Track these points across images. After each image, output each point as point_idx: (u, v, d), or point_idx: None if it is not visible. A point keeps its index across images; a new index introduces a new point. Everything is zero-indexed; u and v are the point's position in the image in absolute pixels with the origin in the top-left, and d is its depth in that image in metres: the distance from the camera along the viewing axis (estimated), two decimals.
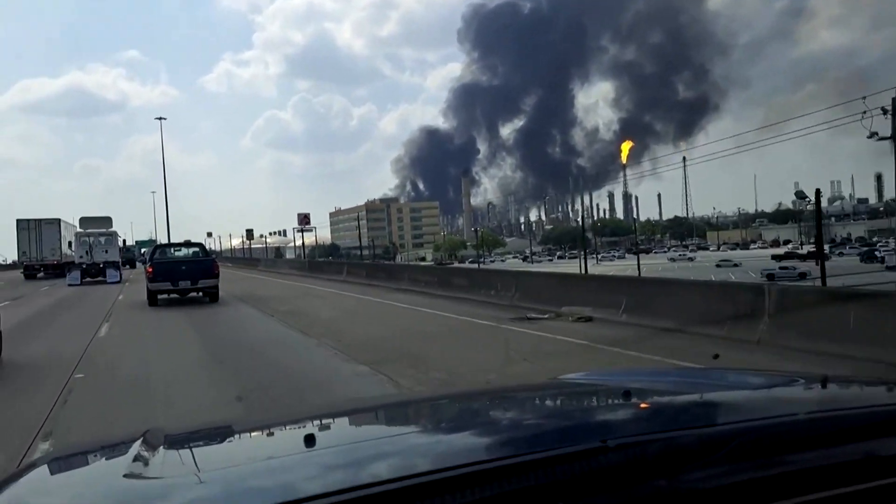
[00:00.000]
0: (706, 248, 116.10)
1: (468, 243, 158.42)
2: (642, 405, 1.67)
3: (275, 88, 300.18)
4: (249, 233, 79.71)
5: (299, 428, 1.64)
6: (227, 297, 20.72)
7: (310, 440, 1.35)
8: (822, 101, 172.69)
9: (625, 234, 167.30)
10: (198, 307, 18.16)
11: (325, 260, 58.20)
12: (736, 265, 79.86)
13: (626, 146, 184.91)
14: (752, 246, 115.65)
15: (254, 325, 13.98)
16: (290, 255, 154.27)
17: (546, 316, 12.40)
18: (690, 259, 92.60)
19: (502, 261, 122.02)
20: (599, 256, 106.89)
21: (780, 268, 65.85)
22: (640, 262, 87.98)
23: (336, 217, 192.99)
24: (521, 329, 11.24)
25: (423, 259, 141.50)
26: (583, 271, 48.27)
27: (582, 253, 73.30)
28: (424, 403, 2.29)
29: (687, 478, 1.02)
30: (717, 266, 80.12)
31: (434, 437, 1.53)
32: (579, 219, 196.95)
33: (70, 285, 28.84)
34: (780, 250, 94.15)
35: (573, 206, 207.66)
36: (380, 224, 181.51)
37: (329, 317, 14.50)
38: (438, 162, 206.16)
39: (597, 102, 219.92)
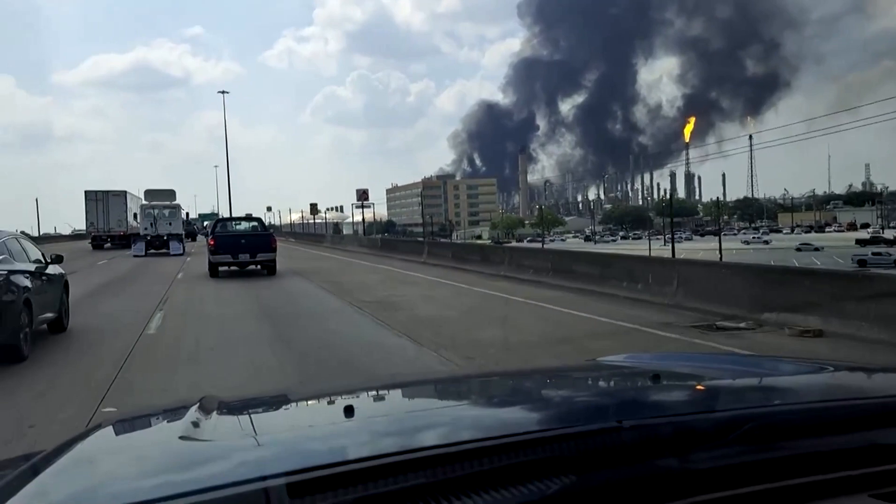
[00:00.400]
0: (778, 231, 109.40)
1: (526, 221, 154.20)
2: (667, 388, 1.70)
3: (334, 65, 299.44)
4: (313, 207, 76.92)
5: (343, 398, 1.72)
6: (301, 280, 17.96)
7: (349, 411, 1.45)
8: None
9: (689, 214, 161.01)
10: (272, 291, 15.41)
11: (401, 238, 55.34)
12: (817, 249, 74.46)
13: (689, 125, 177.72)
14: (827, 229, 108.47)
15: (341, 323, 10.90)
16: (346, 230, 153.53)
17: (743, 325, 8.98)
18: (766, 242, 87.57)
19: (562, 240, 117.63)
20: (664, 238, 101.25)
21: (873, 253, 60.29)
22: (710, 245, 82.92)
23: (393, 193, 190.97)
24: (722, 345, 7.86)
25: (479, 237, 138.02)
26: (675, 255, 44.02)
27: (690, 233, 68.26)
28: (463, 380, 2.46)
29: (697, 457, 1.08)
30: (798, 250, 74.85)
31: (467, 412, 1.67)
32: (641, 198, 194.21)
33: (135, 256, 29.11)
34: (861, 234, 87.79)
35: (632, 185, 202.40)
36: (436, 201, 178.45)
37: (436, 315, 11.31)
38: (496, 137, 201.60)
39: (660, 78, 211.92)
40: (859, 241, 77.38)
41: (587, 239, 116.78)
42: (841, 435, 1.17)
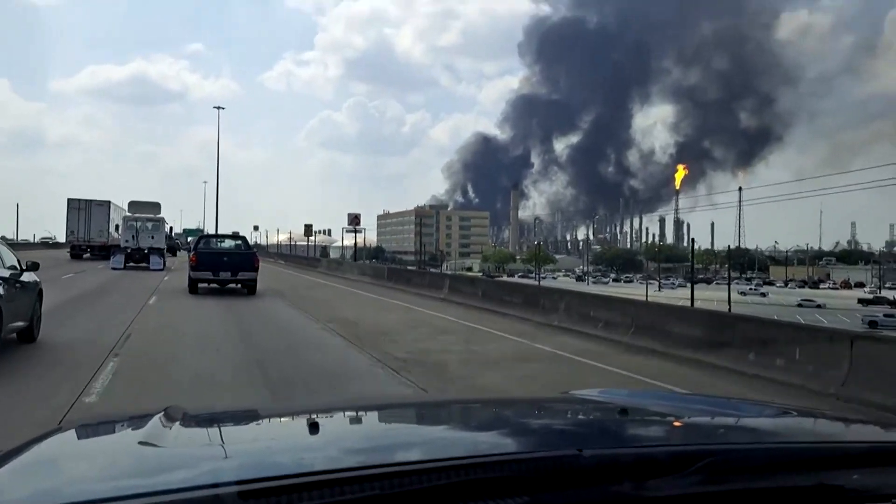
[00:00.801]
0: (771, 284, 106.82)
1: (517, 257, 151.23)
2: (632, 422, 1.75)
3: (332, 90, 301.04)
4: (308, 228, 72.37)
5: (312, 416, 1.72)
6: (303, 316, 14.33)
7: (314, 427, 1.48)
8: (889, 140, 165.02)
9: (679, 261, 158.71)
10: (269, 335, 11.72)
11: (407, 267, 51.49)
12: (820, 306, 71.76)
13: (679, 173, 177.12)
14: (821, 286, 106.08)
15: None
16: (334, 254, 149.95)
17: None
18: (763, 295, 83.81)
19: (553, 278, 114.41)
20: (660, 283, 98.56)
21: (886, 315, 57.41)
22: (702, 294, 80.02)
23: (384, 220, 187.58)
24: None
25: (470, 269, 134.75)
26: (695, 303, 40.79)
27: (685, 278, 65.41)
28: (434, 405, 2.46)
29: (654, 485, 1.13)
30: (799, 306, 72.07)
31: (431, 434, 1.73)
32: (629, 241, 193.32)
33: (113, 269, 28.00)
34: (861, 293, 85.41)
35: (621, 228, 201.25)
36: (428, 230, 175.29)
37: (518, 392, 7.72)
38: (490, 170, 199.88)
39: (655, 124, 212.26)
40: (862, 301, 75.28)
41: (579, 279, 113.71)
42: (793, 474, 1.24)
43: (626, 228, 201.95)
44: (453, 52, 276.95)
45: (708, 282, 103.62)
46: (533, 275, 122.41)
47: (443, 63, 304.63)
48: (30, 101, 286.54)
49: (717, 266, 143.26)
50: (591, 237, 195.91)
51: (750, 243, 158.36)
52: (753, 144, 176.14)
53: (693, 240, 70.84)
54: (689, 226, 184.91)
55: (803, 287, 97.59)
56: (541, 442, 1.54)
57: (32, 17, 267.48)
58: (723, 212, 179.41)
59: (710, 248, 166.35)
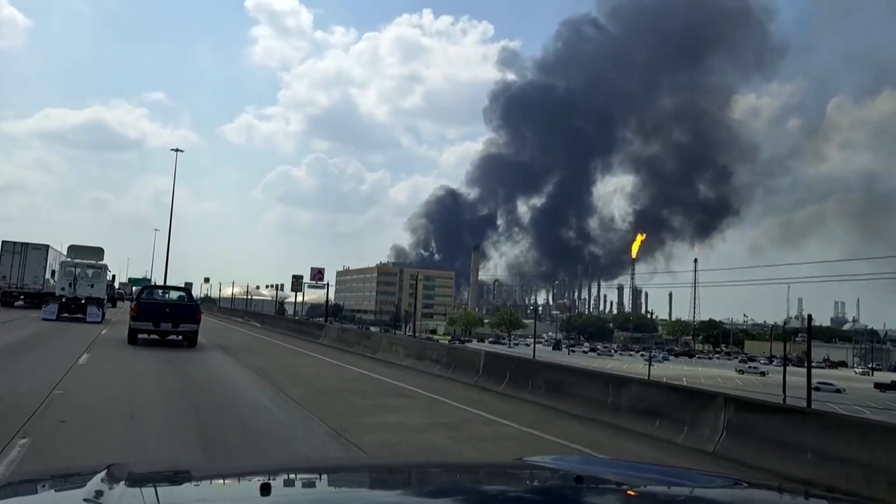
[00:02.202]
0: (754, 359, 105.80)
1: (485, 320, 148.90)
2: (585, 491, 1.79)
3: (292, 145, 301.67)
4: (297, 280, 60.11)
5: (257, 478, 1.72)
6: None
7: (265, 489, 1.48)
8: (841, 220, 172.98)
9: (648, 331, 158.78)
10: None
11: (455, 345, 48.30)
12: (839, 391, 69.04)
13: (636, 242, 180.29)
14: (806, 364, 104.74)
15: None
16: (289, 310, 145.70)
17: None
18: (762, 374, 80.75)
19: (526, 345, 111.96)
20: (650, 358, 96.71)
21: None
22: (698, 370, 78.63)
23: (343, 276, 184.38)
24: None
25: (434, 332, 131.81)
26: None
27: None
28: (383, 469, 2.46)
29: None
30: (816, 389, 69.42)
31: (382, 499, 1.77)
32: (588, 307, 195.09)
33: (44, 319, 26.16)
34: (853, 373, 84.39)
35: (580, 295, 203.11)
36: (390, 288, 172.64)
37: None
38: (453, 226, 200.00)
39: (615, 191, 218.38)
40: (879, 386, 73.09)
41: (555, 347, 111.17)
42: None
43: (585, 295, 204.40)
44: (416, 115, 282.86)
45: (689, 355, 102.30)
46: (504, 340, 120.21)
47: (405, 125, 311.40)
48: None
49: (690, 338, 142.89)
50: (552, 302, 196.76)
51: (704, 314, 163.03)
52: (711, 217, 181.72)
53: (647, 312, 69.31)
54: (647, 295, 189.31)
55: (788, 365, 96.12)
56: None
57: None
58: (680, 282, 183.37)
59: (672, 318, 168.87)
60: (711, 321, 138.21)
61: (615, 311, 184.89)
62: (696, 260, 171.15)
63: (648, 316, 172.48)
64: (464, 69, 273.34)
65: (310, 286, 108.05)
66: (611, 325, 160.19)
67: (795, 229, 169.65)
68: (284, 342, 24.14)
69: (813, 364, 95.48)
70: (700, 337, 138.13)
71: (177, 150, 51.59)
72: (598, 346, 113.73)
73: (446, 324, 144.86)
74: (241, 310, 54.96)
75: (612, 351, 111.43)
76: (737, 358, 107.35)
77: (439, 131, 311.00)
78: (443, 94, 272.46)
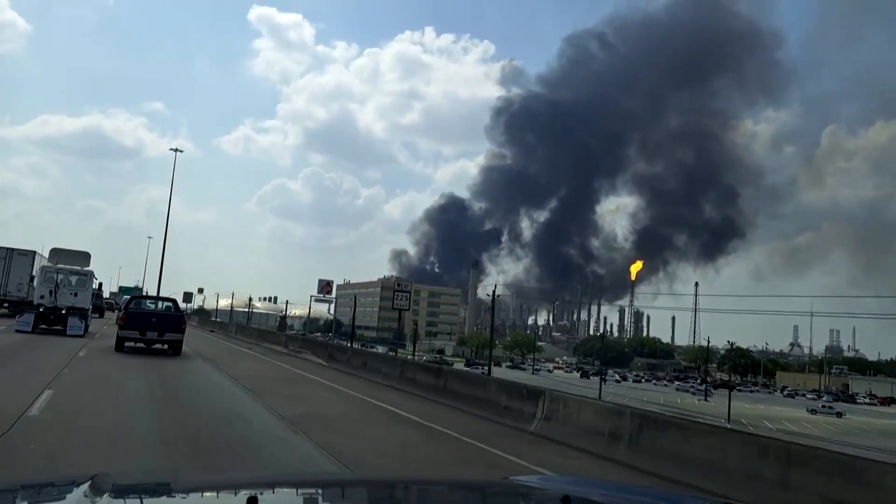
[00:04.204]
0: (797, 394, 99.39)
1: (498, 343, 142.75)
2: None
3: (289, 158, 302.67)
4: (326, 285, 56.17)
5: (244, 491, 1.71)
6: None
7: (253, 502, 1.46)
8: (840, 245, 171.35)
9: (665, 357, 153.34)
10: None
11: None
12: None
13: (635, 268, 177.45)
14: (858, 399, 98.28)
15: None
16: (276, 322, 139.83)
17: None
18: (839, 415, 72.89)
19: (549, 370, 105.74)
20: (693, 389, 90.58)
21: None
22: (770, 410, 72.21)
23: (343, 290, 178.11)
24: None
25: (441, 352, 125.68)
26: None
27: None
28: (370, 485, 2.47)
29: None
30: None
31: None
32: (590, 329, 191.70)
33: (17, 331, 23.26)
34: None
35: (580, 316, 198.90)
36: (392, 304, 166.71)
37: None
38: (455, 239, 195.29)
39: (617, 209, 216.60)
40: None
41: (583, 375, 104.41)
42: None
43: (585, 316, 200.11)
44: (413, 132, 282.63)
45: (729, 388, 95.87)
46: (524, 365, 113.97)
47: (402, 141, 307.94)
48: None
49: (716, 366, 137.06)
50: (552, 323, 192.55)
51: (705, 339, 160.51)
52: (717, 238, 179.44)
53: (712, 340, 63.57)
54: (648, 318, 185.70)
55: (837, 400, 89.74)
56: None
57: None
58: (682, 306, 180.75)
59: (673, 342, 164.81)
60: (739, 349, 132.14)
61: (616, 334, 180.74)
62: (696, 283, 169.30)
63: (661, 341, 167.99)
64: (463, 87, 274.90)
65: (317, 300, 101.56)
66: (626, 349, 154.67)
67: (798, 255, 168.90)
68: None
69: (866, 400, 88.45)
70: (726, 366, 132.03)
71: (176, 150, 51.76)
72: (628, 375, 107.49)
73: (455, 344, 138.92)
74: (251, 327, 48.70)
75: (641, 379, 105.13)
76: (775, 391, 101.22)
77: (436, 148, 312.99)
78: (441, 112, 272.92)
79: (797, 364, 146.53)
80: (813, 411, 74.19)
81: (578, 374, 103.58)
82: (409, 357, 72.36)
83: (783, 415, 69.71)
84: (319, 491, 2.03)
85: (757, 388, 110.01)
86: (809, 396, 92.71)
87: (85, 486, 1.46)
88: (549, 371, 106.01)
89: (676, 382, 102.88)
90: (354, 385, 14.52)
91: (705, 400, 79.11)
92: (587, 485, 2.44)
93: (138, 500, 1.60)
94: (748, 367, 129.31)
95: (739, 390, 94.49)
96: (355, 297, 78.91)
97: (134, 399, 10.40)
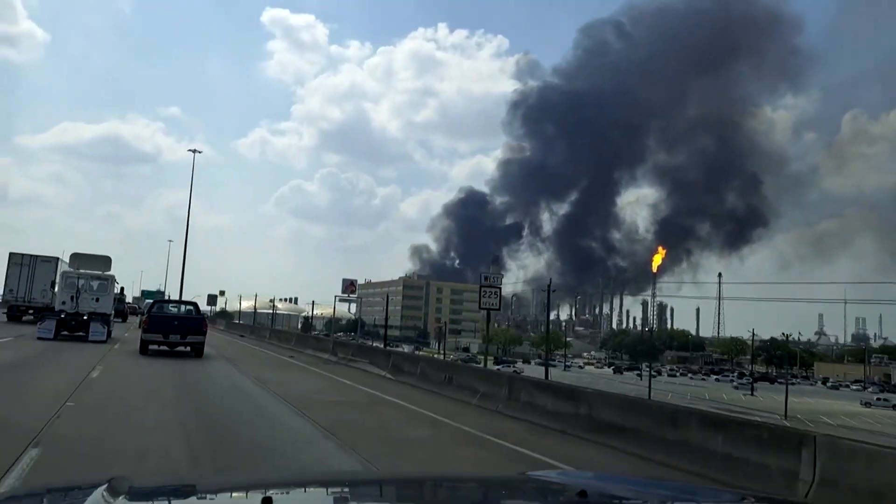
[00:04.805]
0: (840, 386, 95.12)
1: (525, 339, 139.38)
2: None
3: (305, 159, 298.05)
4: (350, 285, 51.94)
5: (259, 492, 1.70)
6: None
7: (267, 502, 1.45)
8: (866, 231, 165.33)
9: (696, 349, 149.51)
10: None
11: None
12: None
13: (657, 256, 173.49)
14: None
15: None
16: (298, 323, 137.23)
17: None
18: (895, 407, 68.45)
19: (580, 367, 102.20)
20: (734, 382, 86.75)
21: None
22: (800, 404, 68.74)
23: (364, 290, 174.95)
24: None
25: (467, 349, 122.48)
26: None
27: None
28: (386, 483, 2.45)
29: None
30: None
31: None
32: (613, 323, 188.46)
33: (39, 339, 22.94)
34: None
35: (601, 309, 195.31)
36: (415, 302, 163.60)
37: None
38: (476, 234, 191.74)
39: (637, 200, 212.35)
40: None
41: (616, 370, 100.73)
42: None
43: (607, 310, 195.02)
44: (428, 129, 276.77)
45: (769, 380, 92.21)
46: (556, 361, 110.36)
47: (417, 139, 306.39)
48: None
49: (749, 358, 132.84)
50: (574, 318, 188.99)
51: (730, 331, 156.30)
52: (741, 227, 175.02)
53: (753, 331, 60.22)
54: (672, 310, 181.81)
55: (884, 391, 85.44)
56: None
57: (8, 71, 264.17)
58: (705, 295, 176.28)
59: (698, 333, 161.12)
60: (774, 340, 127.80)
61: (639, 327, 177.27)
62: (720, 274, 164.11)
63: (690, 333, 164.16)
64: (477, 83, 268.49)
65: (341, 300, 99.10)
66: (657, 343, 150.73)
67: (823, 242, 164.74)
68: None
69: None
70: (761, 357, 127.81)
71: (194, 151, 53.45)
72: (662, 370, 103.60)
73: (480, 342, 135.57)
74: (288, 331, 45.65)
75: (676, 373, 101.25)
76: (815, 382, 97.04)
77: (451, 145, 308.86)
78: (456, 108, 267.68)
79: (833, 354, 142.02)
80: (867, 404, 70.22)
81: (611, 370, 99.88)
82: (515, 370, 69.11)
83: (835, 408, 65.95)
84: (335, 490, 1.99)
85: (797, 379, 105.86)
86: (854, 388, 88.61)
87: (102, 489, 1.43)
88: (580, 367, 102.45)
89: (713, 376, 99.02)
90: (448, 410, 11.13)
91: (752, 394, 75.38)
92: (604, 479, 2.41)
93: (154, 503, 1.57)
94: (784, 359, 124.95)
95: (780, 382, 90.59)
96: (387, 297, 76.00)
97: (168, 445, 7.25)
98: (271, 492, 1.73)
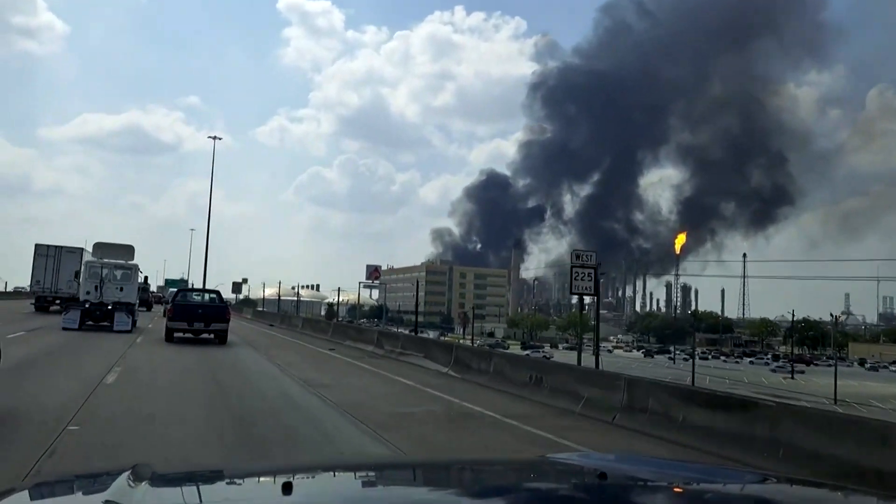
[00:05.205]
0: (881, 367, 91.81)
1: (551, 322, 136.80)
2: (611, 487, 1.76)
3: (324, 146, 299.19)
4: (375, 270, 57.77)
5: (280, 477, 1.70)
6: None
7: (287, 488, 1.46)
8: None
9: (725, 331, 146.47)
10: None
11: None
12: None
13: (679, 238, 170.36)
14: None
15: None
16: (322, 311, 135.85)
17: None
18: None
19: (609, 351, 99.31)
20: (771, 365, 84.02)
21: None
22: (844, 387, 65.84)
23: (387, 275, 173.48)
24: None
25: (492, 334, 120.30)
26: None
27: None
28: (408, 467, 2.49)
29: None
30: None
31: (402, 496, 1.75)
32: (637, 305, 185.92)
33: (64, 329, 22.77)
34: None
35: (624, 292, 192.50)
36: (439, 288, 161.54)
37: None
38: (498, 216, 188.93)
39: (660, 180, 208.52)
40: None
41: (647, 354, 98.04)
42: None
43: (630, 292, 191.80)
44: (446, 113, 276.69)
45: (805, 362, 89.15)
46: (590, 346, 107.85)
47: (435, 123, 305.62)
48: (18, 148, 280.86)
49: (780, 339, 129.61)
50: (596, 301, 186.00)
51: (755, 312, 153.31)
52: (766, 206, 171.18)
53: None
54: (696, 292, 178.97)
55: None
56: None
57: (25, 61, 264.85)
58: (730, 273, 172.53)
59: (723, 314, 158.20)
60: (806, 321, 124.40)
61: (663, 309, 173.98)
62: (744, 255, 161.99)
63: (717, 314, 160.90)
64: (495, 65, 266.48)
65: (365, 286, 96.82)
66: (685, 325, 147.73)
67: (850, 220, 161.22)
68: None
69: None
70: (792, 338, 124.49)
71: (215, 138, 54.18)
72: (736, 352, 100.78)
73: (506, 326, 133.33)
74: (323, 320, 43.58)
75: (707, 356, 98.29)
76: (852, 364, 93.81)
77: (469, 129, 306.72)
78: (474, 92, 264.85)
79: (866, 334, 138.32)
80: None
81: (641, 354, 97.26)
82: (545, 354, 66.79)
83: (882, 391, 62.97)
84: (355, 474, 2.01)
85: (832, 361, 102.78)
86: (893, 369, 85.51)
87: (125, 475, 1.46)
88: (609, 351, 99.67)
89: (747, 359, 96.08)
90: (556, 425, 8.74)
91: (791, 378, 72.59)
92: (624, 460, 2.42)
93: (175, 488, 1.59)
94: (817, 340, 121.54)
95: (816, 364, 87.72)
96: (417, 283, 73.63)
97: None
98: (296, 477, 1.75)
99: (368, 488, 1.83)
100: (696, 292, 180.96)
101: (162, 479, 1.57)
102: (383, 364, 16.97)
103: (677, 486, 1.82)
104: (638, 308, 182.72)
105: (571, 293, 16.87)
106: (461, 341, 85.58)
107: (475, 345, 68.49)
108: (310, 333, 28.74)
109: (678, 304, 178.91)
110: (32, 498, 1.48)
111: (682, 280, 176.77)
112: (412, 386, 12.86)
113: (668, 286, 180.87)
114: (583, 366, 17.45)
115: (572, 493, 1.78)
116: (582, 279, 16.24)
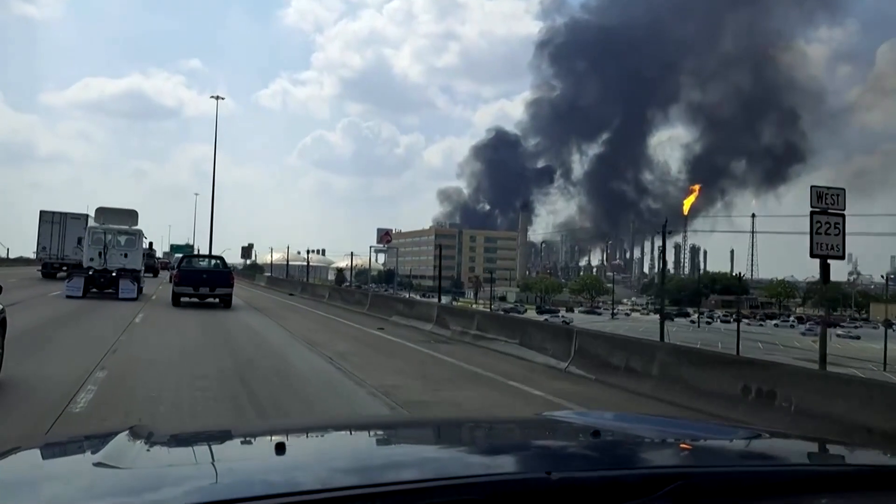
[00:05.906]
0: None
1: (564, 286, 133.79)
2: (602, 444, 1.75)
3: (327, 109, 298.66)
4: (385, 234, 54.52)
5: (274, 437, 1.72)
6: None
7: (280, 448, 1.45)
8: None
9: (739, 292, 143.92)
10: None
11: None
12: None
13: (690, 197, 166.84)
14: None
15: None
16: (330, 276, 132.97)
17: None
18: None
19: (626, 314, 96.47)
20: (801, 328, 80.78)
21: None
22: (878, 351, 62.92)
23: (395, 239, 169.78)
24: None
25: (504, 299, 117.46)
26: None
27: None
28: (403, 426, 2.51)
29: None
30: None
31: (400, 454, 1.73)
32: (644, 266, 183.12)
33: (68, 297, 22.06)
34: None
35: (632, 253, 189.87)
36: (448, 252, 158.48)
37: None
38: (506, 176, 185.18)
39: (669, 139, 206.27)
40: None
41: (665, 317, 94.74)
42: (766, 498, 1.25)
43: (638, 254, 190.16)
44: (451, 74, 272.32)
45: (830, 325, 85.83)
46: (599, 310, 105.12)
47: (439, 85, 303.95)
48: (21, 114, 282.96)
49: (800, 301, 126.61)
50: (605, 263, 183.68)
51: (763, 272, 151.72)
52: (776, 165, 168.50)
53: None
54: (705, 253, 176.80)
55: None
56: (510, 464, 1.55)
57: (25, 26, 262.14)
58: (738, 230, 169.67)
59: (732, 274, 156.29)
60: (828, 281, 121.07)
61: (672, 271, 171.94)
62: (753, 215, 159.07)
63: (732, 275, 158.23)
64: (500, 24, 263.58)
65: (377, 250, 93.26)
66: (700, 286, 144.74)
67: (862, 178, 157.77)
68: None
69: None
70: (812, 299, 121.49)
71: (217, 98, 53.38)
72: (714, 316, 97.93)
73: (518, 290, 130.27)
74: (352, 289, 39.90)
75: (729, 319, 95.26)
76: (877, 326, 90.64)
77: (474, 90, 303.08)
78: (478, 52, 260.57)
79: (885, 294, 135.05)
80: None
81: (658, 317, 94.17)
82: (564, 319, 63.07)
83: None
84: (350, 433, 2.02)
85: (856, 322, 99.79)
86: None
87: (122, 436, 1.47)
88: (627, 315, 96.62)
89: (770, 321, 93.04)
90: None
91: (855, 339, 69.75)
92: (618, 418, 2.45)
93: (169, 448, 1.61)
94: (838, 301, 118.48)
95: (842, 326, 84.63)
96: (440, 248, 69.90)
97: None
98: (290, 437, 1.74)
99: (361, 447, 1.80)
100: (706, 253, 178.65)
101: (156, 440, 1.54)
102: (463, 353, 12.77)
103: (670, 441, 1.83)
104: (646, 270, 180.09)
105: (812, 255, 10.23)
106: (473, 305, 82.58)
107: (493, 310, 64.79)
108: (341, 305, 24.95)
109: (687, 264, 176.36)
110: (33, 458, 1.50)
111: (689, 241, 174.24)
112: (552, 401, 8.44)
113: (677, 247, 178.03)
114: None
115: (566, 448, 1.79)
116: (827, 233, 10.62)
